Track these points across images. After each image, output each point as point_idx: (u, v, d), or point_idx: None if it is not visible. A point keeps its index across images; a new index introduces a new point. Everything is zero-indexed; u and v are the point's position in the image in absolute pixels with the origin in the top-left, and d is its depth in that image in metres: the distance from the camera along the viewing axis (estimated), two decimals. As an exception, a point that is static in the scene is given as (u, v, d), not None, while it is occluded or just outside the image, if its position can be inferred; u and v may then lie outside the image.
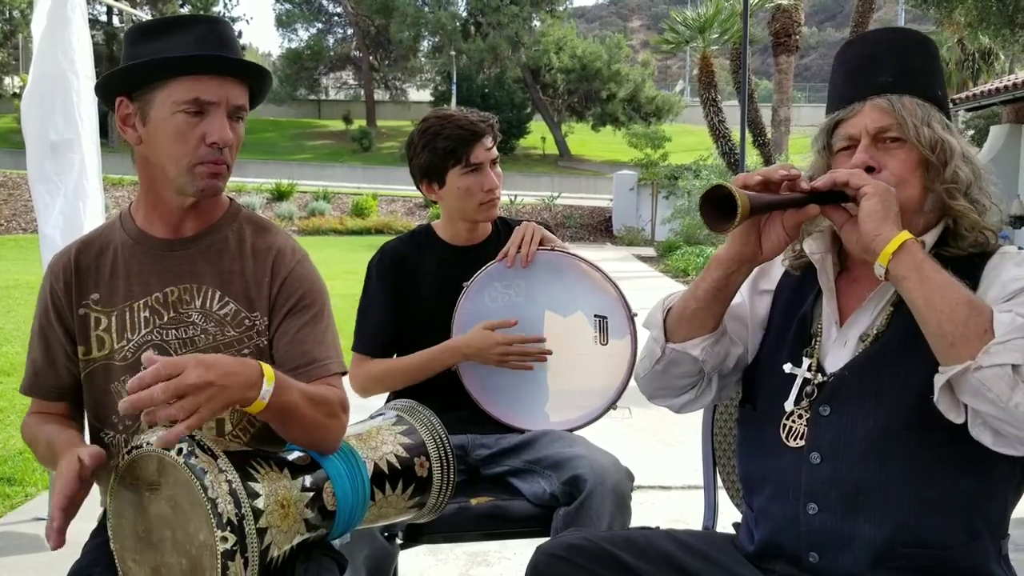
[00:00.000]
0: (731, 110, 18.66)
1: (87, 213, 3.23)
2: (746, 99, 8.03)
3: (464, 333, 2.19)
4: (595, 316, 2.23)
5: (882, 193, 1.34)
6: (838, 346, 1.48)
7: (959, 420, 1.28)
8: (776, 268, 1.63)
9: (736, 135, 14.75)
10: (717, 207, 1.33)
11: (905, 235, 1.32)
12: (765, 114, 19.89)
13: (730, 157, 16.23)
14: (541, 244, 2.24)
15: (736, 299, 1.56)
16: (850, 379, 1.43)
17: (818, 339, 1.51)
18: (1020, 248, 1.45)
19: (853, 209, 1.37)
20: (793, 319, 1.55)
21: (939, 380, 1.28)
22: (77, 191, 3.22)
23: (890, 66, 1.46)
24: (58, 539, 1.36)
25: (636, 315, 2.23)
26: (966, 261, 1.41)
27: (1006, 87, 13.52)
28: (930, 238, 1.44)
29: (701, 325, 1.51)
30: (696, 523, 1.96)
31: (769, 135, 18.92)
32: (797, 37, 19.24)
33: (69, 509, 1.36)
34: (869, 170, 1.42)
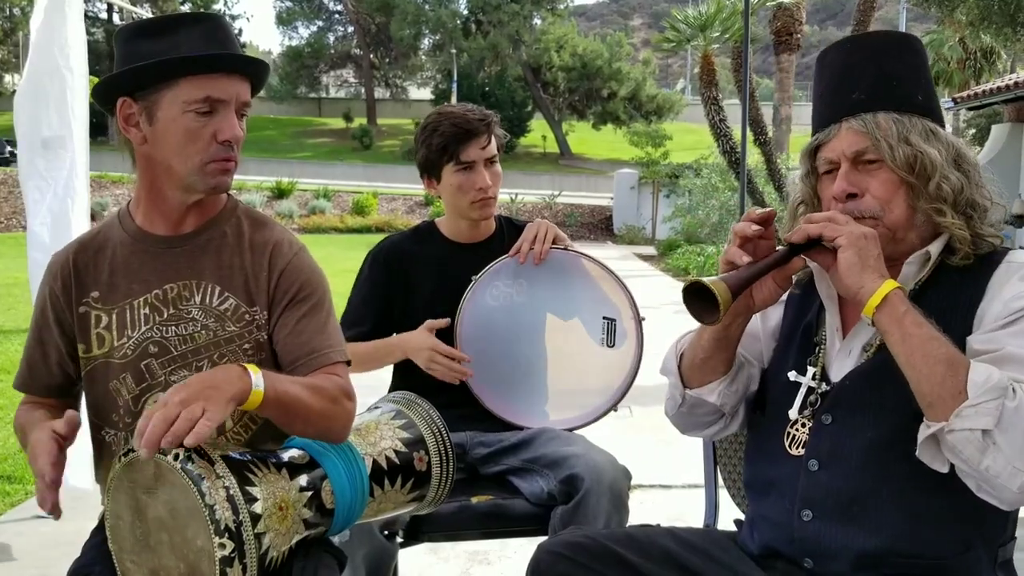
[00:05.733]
0: (732, 108, 18.58)
1: (75, 212, 3.21)
2: (747, 98, 7.99)
3: (467, 329, 2.18)
4: (604, 318, 2.23)
5: (856, 242, 1.32)
6: (843, 355, 1.47)
7: (943, 470, 1.28)
8: None
9: (737, 134, 14.72)
10: (699, 299, 1.32)
11: (887, 287, 1.30)
12: (766, 112, 19.82)
13: (731, 156, 16.21)
14: (554, 243, 2.24)
15: None
16: (852, 388, 1.42)
17: (822, 348, 1.50)
18: (1021, 247, 1.43)
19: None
20: (799, 328, 1.55)
21: (922, 434, 1.28)
22: (67, 189, 3.19)
23: (865, 79, 1.43)
24: (53, 497, 1.37)
25: (644, 319, 2.22)
26: (972, 268, 1.39)
27: (1007, 86, 13.49)
28: (935, 247, 1.42)
29: (713, 371, 1.53)
30: (697, 522, 1.95)
31: (770, 134, 18.87)
32: (798, 36, 19.22)
33: (56, 466, 1.38)
34: (851, 197, 1.41)
